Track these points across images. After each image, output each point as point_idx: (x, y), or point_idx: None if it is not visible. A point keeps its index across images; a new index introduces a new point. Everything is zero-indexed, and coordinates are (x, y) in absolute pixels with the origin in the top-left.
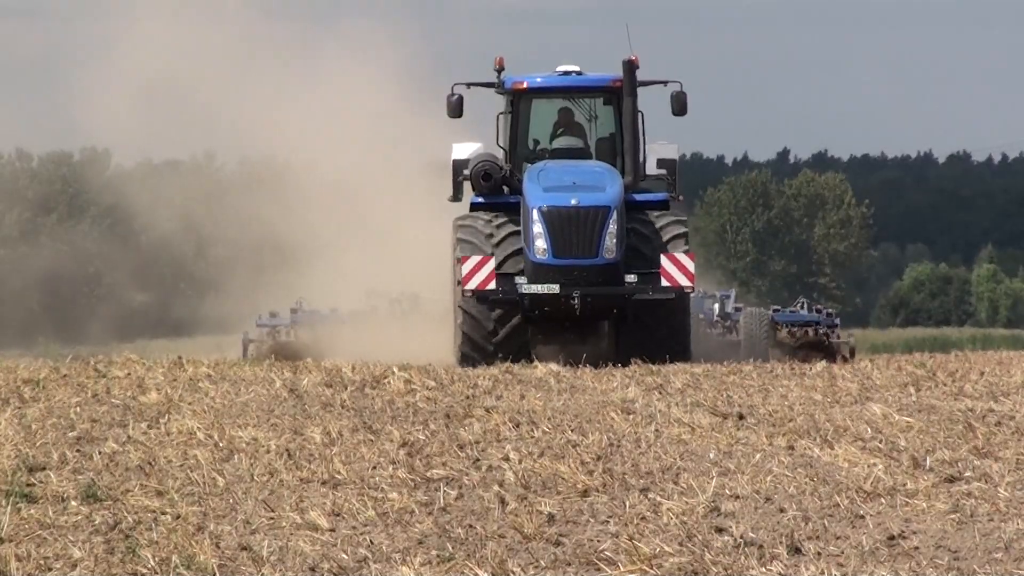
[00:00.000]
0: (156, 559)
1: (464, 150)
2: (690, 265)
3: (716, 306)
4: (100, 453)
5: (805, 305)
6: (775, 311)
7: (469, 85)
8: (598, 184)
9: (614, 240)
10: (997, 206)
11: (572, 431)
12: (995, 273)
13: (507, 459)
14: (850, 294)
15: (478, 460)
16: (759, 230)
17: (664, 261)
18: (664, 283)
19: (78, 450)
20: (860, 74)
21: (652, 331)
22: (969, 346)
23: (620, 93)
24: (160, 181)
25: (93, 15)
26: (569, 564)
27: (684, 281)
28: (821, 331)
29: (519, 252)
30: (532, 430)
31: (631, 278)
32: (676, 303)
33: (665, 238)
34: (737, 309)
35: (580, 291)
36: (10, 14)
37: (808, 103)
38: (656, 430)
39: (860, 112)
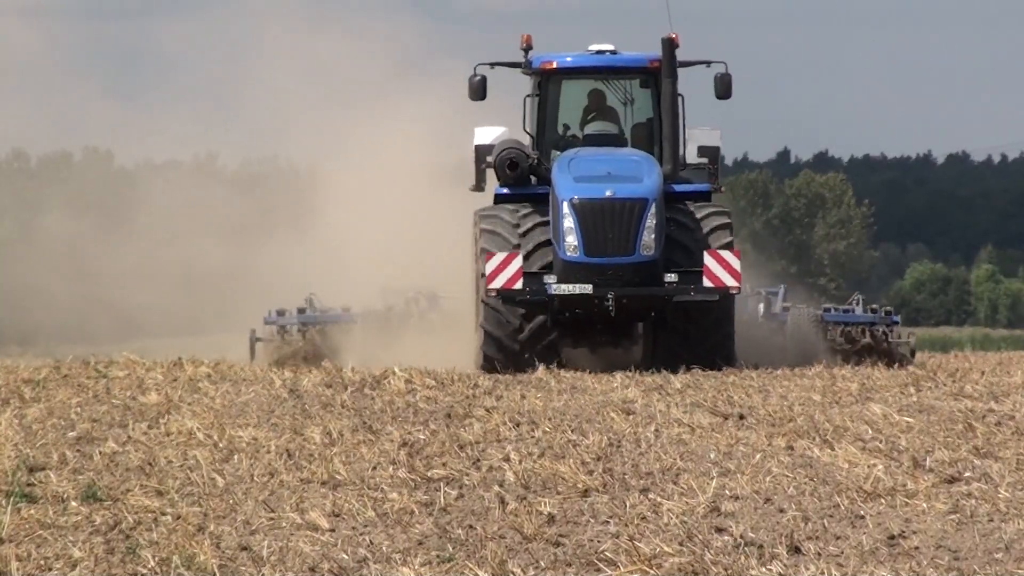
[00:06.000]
0: (156, 559)
1: (487, 135)
2: (736, 263)
3: (761, 305)
4: (100, 453)
5: (860, 303)
6: (825, 310)
7: (493, 65)
8: (635, 174)
9: (652, 236)
10: (997, 206)
11: (572, 431)
12: (993, 273)
13: (507, 459)
14: (851, 294)
15: (478, 460)
16: (759, 230)
17: (707, 259)
18: (707, 283)
19: (78, 450)
20: (860, 74)
21: (693, 336)
22: (969, 346)
23: (658, 74)
24: (162, 181)
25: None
26: (569, 564)
27: (730, 281)
28: (879, 332)
29: (548, 248)
30: (532, 430)
31: (671, 277)
32: (720, 305)
33: (708, 233)
34: (785, 308)
35: (615, 292)
36: (10, 13)
37: (808, 103)
38: (656, 430)
39: (860, 112)
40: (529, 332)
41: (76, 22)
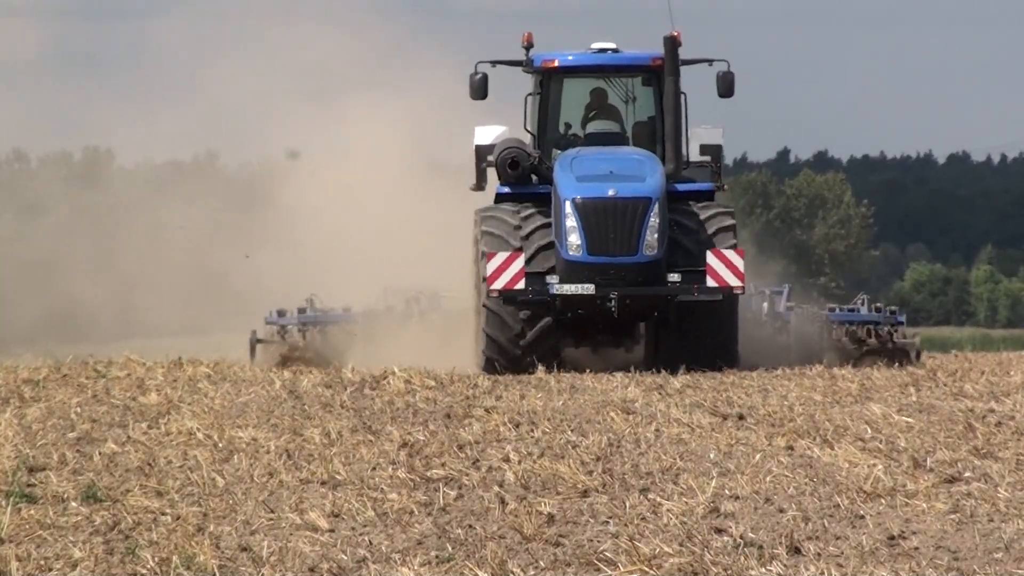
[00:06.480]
0: (156, 559)
1: (487, 134)
2: (739, 263)
3: (765, 304)
4: (100, 453)
5: (865, 303)
6: (830, 310)
7: (494, 63)
8: (637, 173)
9: (655, 235)
10: (997, 206)
11: (572, 431)
12: (992, 274)
13: (507, 459)
14: (850, 294)
15: (478, 460)
16: (759, 230)
17: (710, 258)
18: (711, 283)
19: (78, 450)
20: (860, 74)
21: (696, 336)
22: (969, 346)
23: (661, 72)
24: (162, 181)
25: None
26: (569, 564)
27: (733, 280)
28: (884, 332)
29: (550, 248)
30: (532, 430)
31: (674, 277)
32: (724, 305)
33: (712, 233)
34: (789, 308)
35: (618, 292)
36: (11, 13)
37: (808, 103)
38: (656, 430)
39: (860, 112)
40: (532, 337)
41: (75, 22)
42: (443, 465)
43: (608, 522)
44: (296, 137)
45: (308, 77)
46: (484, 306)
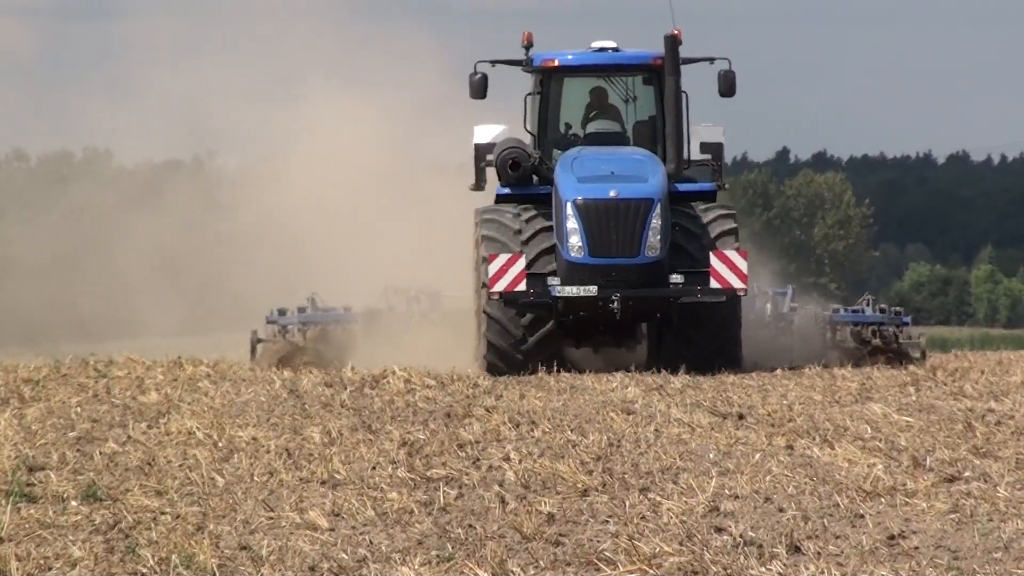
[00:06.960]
0: (156, 559)
1: (487, 133)
2: (742, 264)
3: (769, 306)
4: (100, 453)
5: (869, 303)
6: (835, 311)
7: (494, 63)
8: (639, 174)
9: (658, 236)
10: (997, 206)
11: (572, 431)
12: (992, 274)
13: (507, 459)
14: (850, 295)
15: (478, 460)
16: (759, 230)
17: (713, 259)
18: (714, 284)
19: (78, 450)
20: (860, 74)
21: (699, 338)
22: (969, 346)
23: (661, 71)
24: (162, 180)
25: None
26: (569, 564)
27: (736, 282)
28: (889, 332)
29: (551, 249)
30: (532, 430)
31: (677, 279)
32: (726, 307)
33: (714, 234)
34: (793, 309)
35: (620, 293)
36: (9, 13)
37: (807, 103)
38: (656, 430)
39: (859, 112)
40: (533, 343)
41: (74, 22)
42: (443, 464)
43: (608, 521)
44: (294, 136)
45: (305, 76)
46: (484, 312)
